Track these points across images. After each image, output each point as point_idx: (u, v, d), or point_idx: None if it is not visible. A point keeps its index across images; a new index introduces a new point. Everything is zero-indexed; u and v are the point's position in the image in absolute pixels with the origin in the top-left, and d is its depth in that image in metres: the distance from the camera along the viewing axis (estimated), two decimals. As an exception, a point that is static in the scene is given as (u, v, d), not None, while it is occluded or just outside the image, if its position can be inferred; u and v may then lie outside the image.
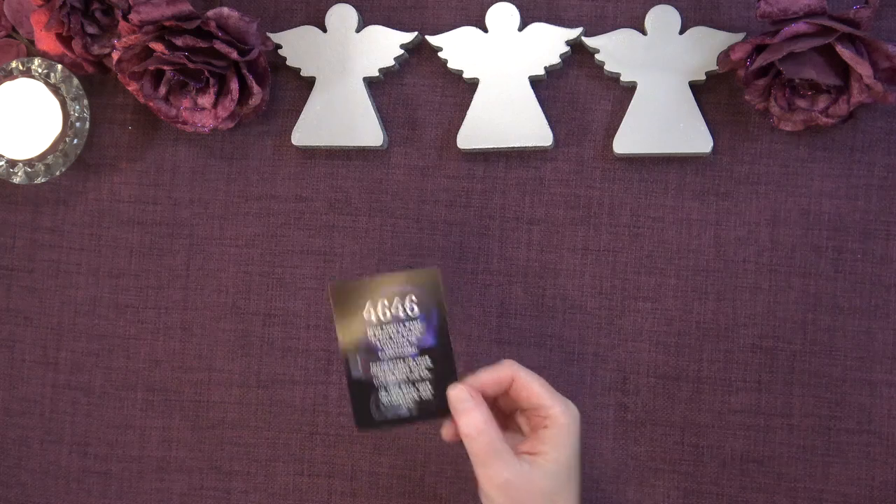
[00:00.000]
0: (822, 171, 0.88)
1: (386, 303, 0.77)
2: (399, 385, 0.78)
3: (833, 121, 0.85)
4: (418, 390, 0.77)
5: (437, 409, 0.77)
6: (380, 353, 0.78)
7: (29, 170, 0.93)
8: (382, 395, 0.78)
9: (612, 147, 0.89)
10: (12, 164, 0.93)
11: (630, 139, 0.88)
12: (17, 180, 0.94)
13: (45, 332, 0.96)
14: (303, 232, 0.94)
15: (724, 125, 0.89)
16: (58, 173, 0.94)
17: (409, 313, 0.77)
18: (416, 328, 0.77)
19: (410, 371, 0.77)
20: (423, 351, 0.77)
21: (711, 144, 0.88)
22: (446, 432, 0.78)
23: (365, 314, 0.77)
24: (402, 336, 0.78)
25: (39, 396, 0.96)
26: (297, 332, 0.93)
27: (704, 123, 0.88)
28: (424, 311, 0.77)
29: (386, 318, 0.78)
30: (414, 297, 0.77)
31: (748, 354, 0.89)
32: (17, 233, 0.97)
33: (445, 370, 0.77)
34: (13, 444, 0.97)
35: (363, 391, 0.78)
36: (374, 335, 0.77)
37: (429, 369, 0.77)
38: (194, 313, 0.95)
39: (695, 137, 0.88)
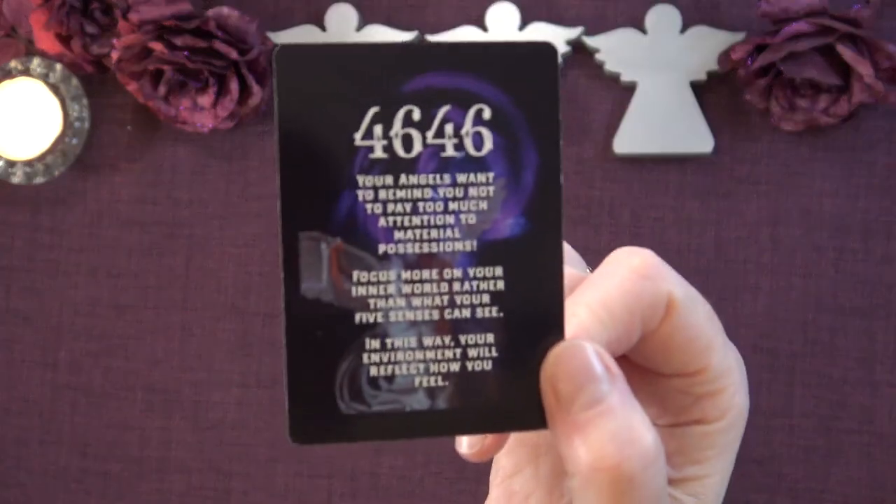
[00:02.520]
0: (822, 171, 0.88)
1: (417, 116, 0.32)
2: (418, 331, 0.33)
3: (834, 120, 0.85)
4: (464, 349, 0.33)
5: (497, 402, 0.33)
6: (381, 246, 0.32)
7: (28, 170, 0.93)
8: (371, 352, 0.32)
9: (612, 147, 0.89)
10: (12, 164, 0.93)
11: (630, 139, 0.88)
12: (16, 180, 0.94)
13: (44, 332, 0.96)
14: (303, 232, 0.94)
15: (725, 125, 0.89)
16: (57, 173, 0.94)
17: (473, 149, 0.33)
18: (484, 187, 0.33)
19: (451, 298, 0.33)
20: (488, 249, 0.33)
21: (712, 144, 0.88)
22: (477, 447, 0.35)
23: (359, 137, 0.32)
24: (447, 204, 0.33)
25: (39, 397, 0.96)
26: (296, 332, 0.93)
27: (705, 123, 0.88)
28: (509, 145, 0.33)
29: (411, 152, 0.32)
30: (487, 111, 0.33)
31: (748, 354, 0.88)
32: (17, 233, 0.97)
33: (538, 304, 0.33)
34: (13, 445, 0.96)
35: (321, 341, 0.32)
36: (374, 196, 0.32)
37: (496, 297, 0.33)
38: (194, 313, 0.95)
39: (695, 137, 0.88)
